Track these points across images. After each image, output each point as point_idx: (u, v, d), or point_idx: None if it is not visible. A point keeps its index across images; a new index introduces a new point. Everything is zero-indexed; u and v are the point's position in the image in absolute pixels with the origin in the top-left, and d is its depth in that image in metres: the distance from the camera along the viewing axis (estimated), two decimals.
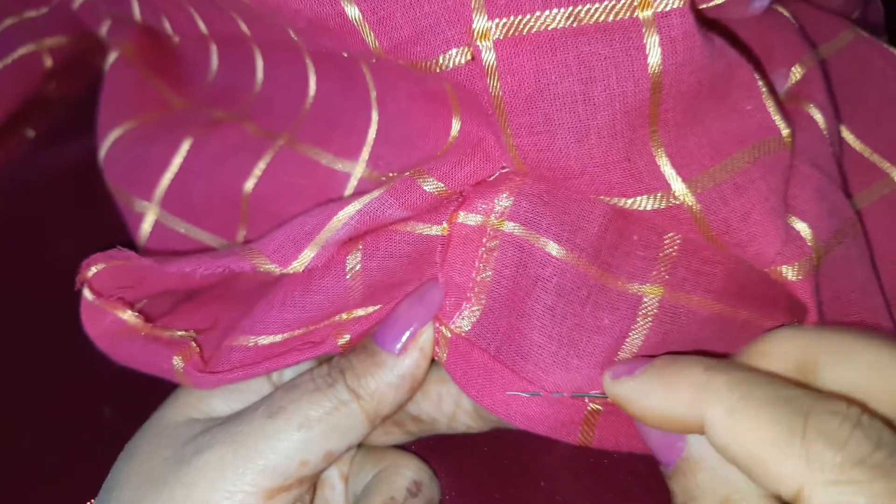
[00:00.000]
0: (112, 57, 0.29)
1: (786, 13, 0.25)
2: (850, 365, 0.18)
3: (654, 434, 0.19)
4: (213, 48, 0.28)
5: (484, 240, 0.22)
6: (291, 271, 0.21)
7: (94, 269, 0.22)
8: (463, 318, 0.22)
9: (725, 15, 0.22)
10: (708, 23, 0.22)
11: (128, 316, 0.23)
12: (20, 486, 0.27)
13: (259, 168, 0.25)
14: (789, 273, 0.21)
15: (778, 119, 0.21)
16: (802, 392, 0.17)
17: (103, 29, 0.33)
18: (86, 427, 0.27)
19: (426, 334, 0.22)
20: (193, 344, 0.22)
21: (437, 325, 0.22)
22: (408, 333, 0.21)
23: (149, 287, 0.23)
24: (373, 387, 0.21)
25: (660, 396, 0.18)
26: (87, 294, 0.22)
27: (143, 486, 0.20)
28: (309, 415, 0.21)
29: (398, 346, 0.21)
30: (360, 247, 0.22)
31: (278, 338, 0.22)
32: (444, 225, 0.22)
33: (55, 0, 0.36)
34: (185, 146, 0.26)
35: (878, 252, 0.23)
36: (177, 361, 0.22)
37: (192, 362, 0.22)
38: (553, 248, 0.21)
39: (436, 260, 0.22)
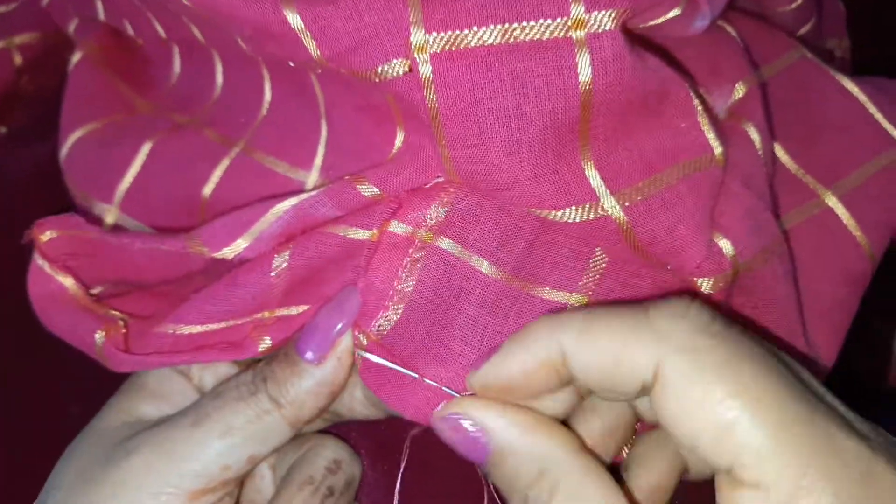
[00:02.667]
0: (76, 57, 0.30)
1: (731, 30, 0.26)
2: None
3: (457, 440, 0.20)
4: (176, 51, 0.28)
5: (410, 250, 0.22)
6: (220, 256, 0.22)
7: (47, 235, 0.23)
8: (379, 324, 0.22)
9: (667, 33, 0.23)
10: (645, 40, 0.23)
11: (69, 283, 0.24)
12: None
13: (216, 175, 0.26)
14: (705, 285, 0.22)
15: (711, 137, 0.22)
16: (631, 304, 0.19)
17: (71, 27, 0.33)
18: (52, 423, 0.27)
19: (344, 343, 0.22)
20: (121, 324, 0.23)
21: (356, 331, 0.22)
22: (319, 334, 0.22)
23: (101, 266, 0.24)
24: (293, 395, 0.22)
25: (518, 354, 0.19)
26: (36, 257, 0.23)
27: (76, 485, 0.21)
28: (231, 423, 0.21)
29: (317, 355, 0.22)
30: (291, 246, 0.22)
31: (197, 328, 0.22)
32: (374, 231, 0.22)
33: None
34: (146, 149, 0.27)
35: (802, 271, 0.24)
36: (99, 336, 0.23)
37: (113, 340, 0.23)
38: (477, 262, 0.22)
39: (360, 264, 0.22)
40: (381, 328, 0.22)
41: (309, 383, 0.22)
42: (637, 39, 0.21)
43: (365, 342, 0.22)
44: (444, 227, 0.22)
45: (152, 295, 0.25)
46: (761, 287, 0.23)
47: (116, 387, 0.25)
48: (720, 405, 0.16)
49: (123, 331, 0.23)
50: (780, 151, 0.26)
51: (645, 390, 0.18)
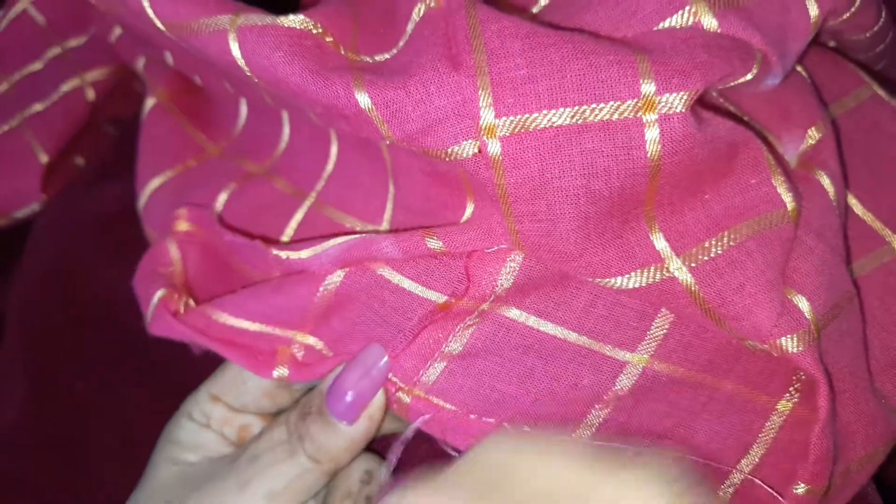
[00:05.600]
0: (148, 104, 0.31)
1: (802, 71, 0.25)
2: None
3: None
4: (243, 101, 0.29)
5: (468, 319, 0.23)
6: (279, 255, 0.24)
7: (183, 227, 0.27)
8: (422, 382, 0.23)
9: (737, 90, 0.23)
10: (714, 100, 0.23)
11: (175, 256, 0.27)
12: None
13: (291, 227, 0.27)
14: (789, 345, 0.21)
15: (784, 192, 0.22)
16: None
17: (139, 64, 0.34)
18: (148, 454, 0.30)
19: (376, 403, 0.23)
20: (184, 298, 0.26)
21: (395, 390, 0.23)
22: (355, 398, 0.23)
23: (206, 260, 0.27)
24: (331, 453, 0.23)
25: None
26: (172, 236, 0.27)
27: None
28: (274, 487, 0.23)
29: (349, 416, 0.23)
30: (345, 271, 0.23)
31: (232, 321, 0.24)
32: (439, 294, 0.23)
33: (93, 29, 0.38)
34: (222, 199, 0.28)
35: (871, 319, 0.24)
36: (158, 294, 0.25)
37: (168, 302, 0.25)
38: (535, 322, 0.23)
39: (406, 322, 0.23)
40: (425, 383, 0.23)
41: (344, 442, 0.24)
42: (706, 103, 0.21)
43: (407, 400, 0.23)
44: (502, 298, 0.23)
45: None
46: (825, 344, 0.23)
47: None
48: None
49: (183, 299, 0.25)
50: (849, 196, 0.25)
51: None
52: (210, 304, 0.25)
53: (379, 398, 0.24)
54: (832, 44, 0.28)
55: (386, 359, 0.23)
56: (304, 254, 0.24)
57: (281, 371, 0.24)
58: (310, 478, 0.24)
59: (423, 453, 0.27)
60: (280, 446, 0.24)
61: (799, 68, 0.25)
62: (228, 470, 0.24)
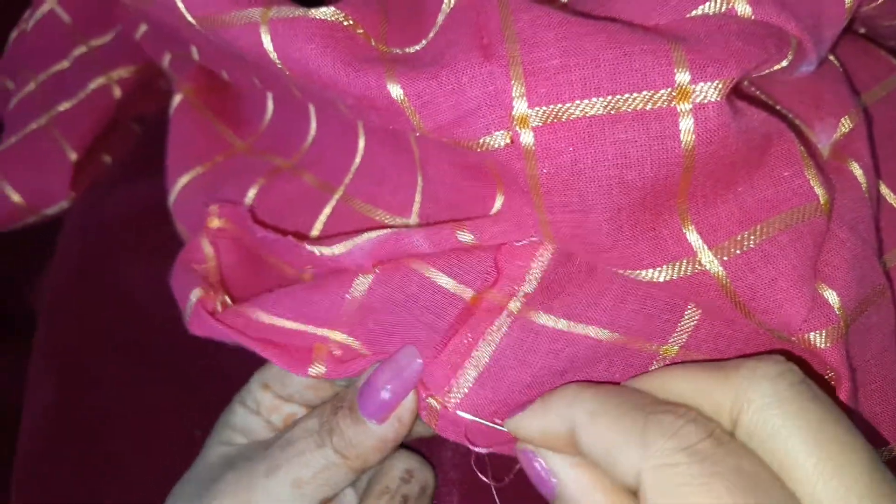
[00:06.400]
0: (176, 100, 0.31)
1: (834, 60, 0.25)
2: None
3: (531, 474, 0.21)
4: (269, 96, 0.29)
5: (497, 321, 0.23)
6: (313, 250, 0.24)
7: (216, 223, 0.27)
8: (452, 394, 0.23)
9: (770, 78, 0.23)
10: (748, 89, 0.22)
11: (209, 253, 0.27)
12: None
13: (320, 221, 0.27)
14: (818, 340, 0.21)
15: (816, 185, 0.22)
16: (653, 399, 0.20)
17: (165, 61, 0.35)
18: (173, 448, 0.30)
19: (406, 405, 0.23)
20: (221, 296, 0.26)
21: (425, 395, 0.23)
22: (386, 398, 0.23)
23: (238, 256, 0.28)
24: (358, 450, 0.24)
25: (540, 415, 0.21)
26: (205, 233, 0.27)
27: None
28: (301, 475, 0.23)
29: (379, 417, 0.23)
30: (375, 271, 0.23)
31: (271, 319, 0.24)
32: (468, 289, 0.23)
33: (118, 28, 0.38)
34: (251, 194, 0.28)
35: None
36: (195, 294, 0.26)
37: (205, 302, 0.25)
38: (564, 325, 0.23)
39: (438, 322, 0.23)
40: (455, 395, 0.23)
41: (372, 441, 0.24)
42: (740, 92, 0.21)
43: (437, 407, 0.23)
44: (530, 299, 0.23)
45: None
46: (852, 337, 0.22)
47: None
48: None
49: (220, 298, 0.26)
50: (881, 185, 0.25)
51: None
52: (248, 304, 0.25)
53: (409, 401, 0.23)
54: (863, 31, 0.28)
55: (419, 361, 0.23)
56: (337, 249, 0.24)
57: (317, 368, 0.24)
58: (336, 471, 0.24)
59: (449, 454, 0.27)
60: (311, 436, 0.24)
61: (831, 57, 0.25)
62: (262, 454, 0.24)
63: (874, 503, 0.17)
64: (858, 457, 0.17)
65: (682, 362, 0.22)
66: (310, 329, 0.24)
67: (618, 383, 0.22)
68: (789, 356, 0.20)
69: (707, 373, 0.19)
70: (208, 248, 0.27)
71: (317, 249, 0.24)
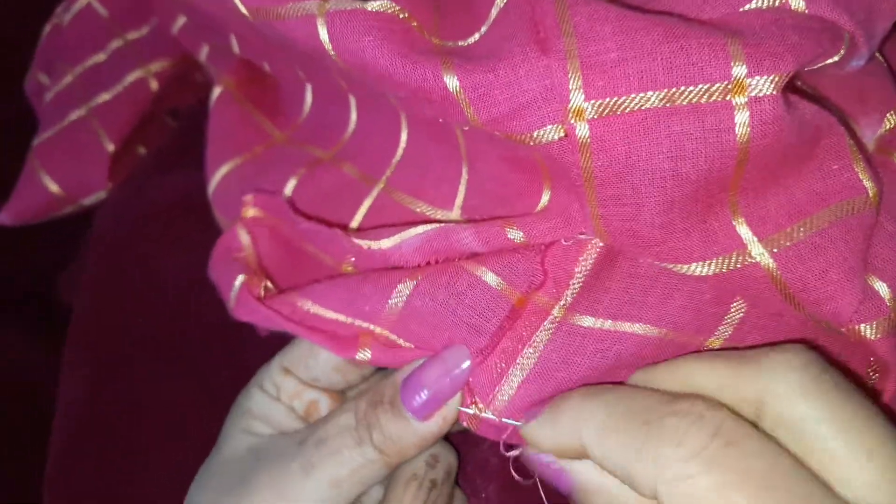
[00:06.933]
0: (216, 93, 0.31)
1: (879, 56, 0.25)
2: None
3: (544, 474, 0.21)
4: (308, 87, 0.30)
5: (543, 325, 0.23)
6: (361, 244, 0.24)
7: (251, 213, 0.27)
8: (496, 399, 0.23)
9: (819, 72, 0.23)
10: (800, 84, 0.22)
11: (246, 241, 0.27)
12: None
13: (361, 213, 0.27)
14: (868, 331, 0.21)
15: (865, 179, 0.22)
16: (658, 399, 0.19)
17: (202, 54, 0.35)
18: (202, 443, 0.30)
19: (451, 404, 0.23)
20: (264, 282, 0.26)
21: (469, 402, 0.23)
22: (433, 396, 0.23)
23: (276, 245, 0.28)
24: (398, 446, 0.23)
25: (549, 428, 0.21)
26: (241, 223, 0.28)
27: None
28: (339, 474, 0.23)
29: (423, 413, 0.23)
30: (419, 277, 0.23)
31: (316, 308, 0.24)
32: (515, 291, 0.23)
33: (154, 21, 0.39)
34: (291, 185, 0.28)
35: None
36: (239, 280, 0.26)
37: (250, 286, 0.26)
38: (611, 325, 0.22)
39: (485, 325, 0.23)
40: (499, 401, 0.23)
41: (414, 438, 0.24)
42: (793, 86, 0.21)
43: (480, 414, 0.23)
44: (576, 301, 0.23)
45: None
46: None
47: None
48: None
49: (262, 284, 0.26)
50: None
51: None
52: (294, 292, 0.25)
53: (455, 400, 0.23)
54: None
55: (469, 362, 0.23)
56: (385, 244, 0.24)
57: (364, 353, 0.24)
58: (374, 468, 0.24)
59: (487, 441, 0.27)
60: (348, 433, 0.24)
61: (876, 54, 0.25)
62: (296, 451, 0.24)
63: None
64: (889, 442, 0.17)
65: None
66: (356, 322, 0.24)
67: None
68: (811, 346, 0.20)
69: (729, 363, 0.19)
70: (245, 238, 0.28)
71: (364, 243, 0.24)
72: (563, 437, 0.20)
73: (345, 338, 0.24)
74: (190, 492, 0.26)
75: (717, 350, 0.22)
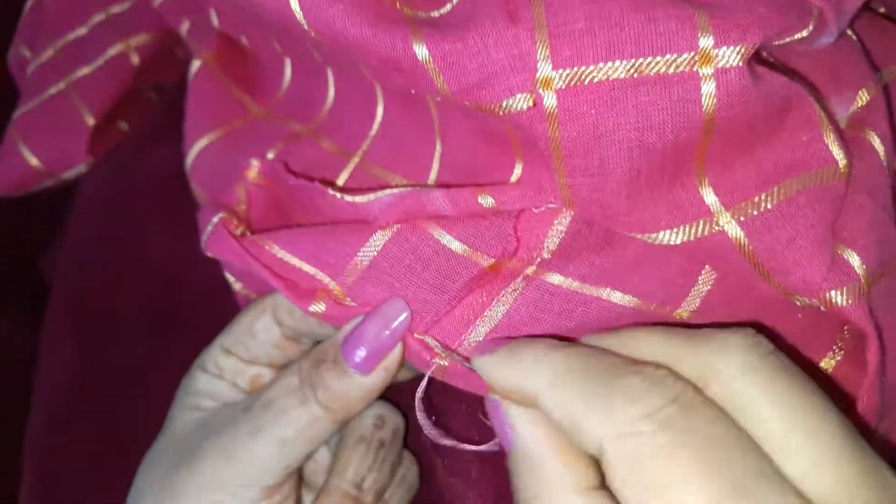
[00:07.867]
0: (195, 66, 0.31)
1: (852, 34, 0.25)
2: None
3: (493, 419, 0.21)
4: (287, 61, 0.30)
5: (512, 283, 0.23)
6: (334, 194, 0.25)
7: (253, 176, 0.28)
8: (462, 347, 0.23)
9: (789, 48, 0.23)
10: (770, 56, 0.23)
11: (242, 195, 0.28)
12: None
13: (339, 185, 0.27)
14: (838, 298, 0.21)
15: (836, 150, 0.22)
16: (623, 361, 0.19)
17: (184, 28, 0.35)
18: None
19: (392, 356, 0.24)
20: (242, 225, 0.26)
21: (430, 357, 0.23)
22: (374, 350, 0.24)
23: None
24: (343, 401, 0.24)
25: (506, 367, 0.20)
26: (242, 183, 0.28)
27: (163, 489, 0.25)
28: (285, 434, 0.24)
29: (365, 367, 0.24)
30: (391, 232, 0.23)
31: (283, 254, 0.25)
32: (487, 257, 0.23)
33: None
34: (269, 157, 0.28)
35: None
36: (217, 217, 0.26)
37: (227, 223, 0.26)
38: (578, 286, 0.23)
39: (450, 285, 0.23)
40: (464, 349, 0.23)
41: (359, 392, 0.24)
42: (761, 58, 0.21)
43: (445, 364, 0.23)
44: (546, 262, 0.23)
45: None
46: (875, 301, 0.23)
47: None
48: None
49: (237, 225, 0.26)
50: None
51: None
52: (264, 234, 0.25)
53: (396, 351, 0.24)
54: (882, 10, 0.28)
55: (407, 313, 0.23)
56: (359, 198, 0.24)
57: (318, 306, 0.24)
58: (321, 426, 0.24)
59: (461, 413, 0.27)
60: (292, 393, 0.24)
61: (849, 32, 0.25)
62: (242, 416, 0.24)
63: (846, 466, 0.17)
64: (829, 423, 0.17)
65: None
66: (318, 275, 0.24)
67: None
68: (761, 330, 0.20)
69: (681, 339, 0.19)
70: (242, 193, 0.28)
71: (342, 196, 0.25)
72: (517, 378, 0.20)
73: (304, 289, 0.24)
74: (137, 474, 0.26)
75: (676, 325, 0.22)
